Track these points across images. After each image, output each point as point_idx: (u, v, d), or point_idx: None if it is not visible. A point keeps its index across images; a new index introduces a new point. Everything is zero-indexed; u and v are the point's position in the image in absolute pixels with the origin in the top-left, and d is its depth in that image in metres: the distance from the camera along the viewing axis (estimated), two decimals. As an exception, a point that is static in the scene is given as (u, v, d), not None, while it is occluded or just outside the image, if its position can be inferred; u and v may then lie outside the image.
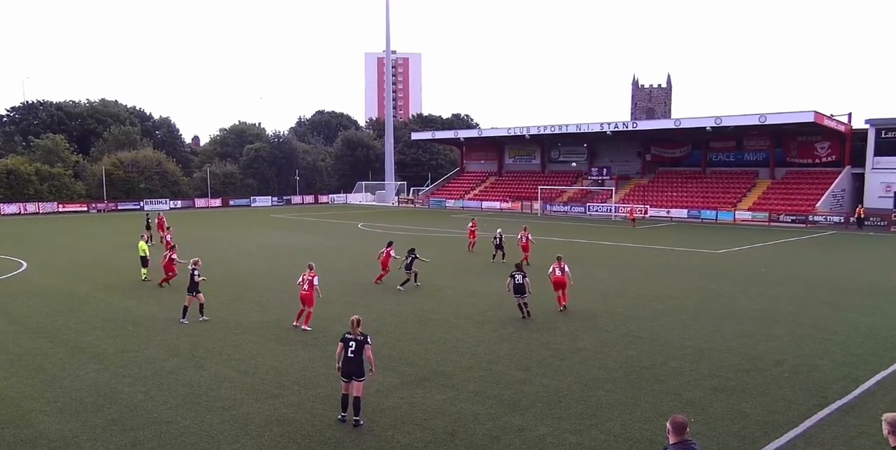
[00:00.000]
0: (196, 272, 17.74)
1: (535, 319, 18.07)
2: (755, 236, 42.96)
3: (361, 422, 10.58)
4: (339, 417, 10.81)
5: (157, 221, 36.88)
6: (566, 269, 18.97)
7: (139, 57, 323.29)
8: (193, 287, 17.67)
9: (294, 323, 17.21)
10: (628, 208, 56.29)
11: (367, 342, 10.69)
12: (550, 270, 19.19)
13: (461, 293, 22.10)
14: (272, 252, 33.42)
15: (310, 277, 16.85)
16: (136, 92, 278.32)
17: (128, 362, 14.06)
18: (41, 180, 70.20)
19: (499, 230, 31.01)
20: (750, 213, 55.44)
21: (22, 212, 65.05)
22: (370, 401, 11.59)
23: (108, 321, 17.93)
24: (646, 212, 59.41)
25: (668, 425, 6.32)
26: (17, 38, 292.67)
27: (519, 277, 18.12)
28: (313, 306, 16.99)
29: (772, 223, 52.60)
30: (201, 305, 18.03)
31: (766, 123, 54.41)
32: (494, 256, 30.01)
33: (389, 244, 24.00)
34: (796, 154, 60.46)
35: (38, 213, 65.68)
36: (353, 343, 10.68)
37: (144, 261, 24.85)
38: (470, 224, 35.04)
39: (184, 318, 17.74)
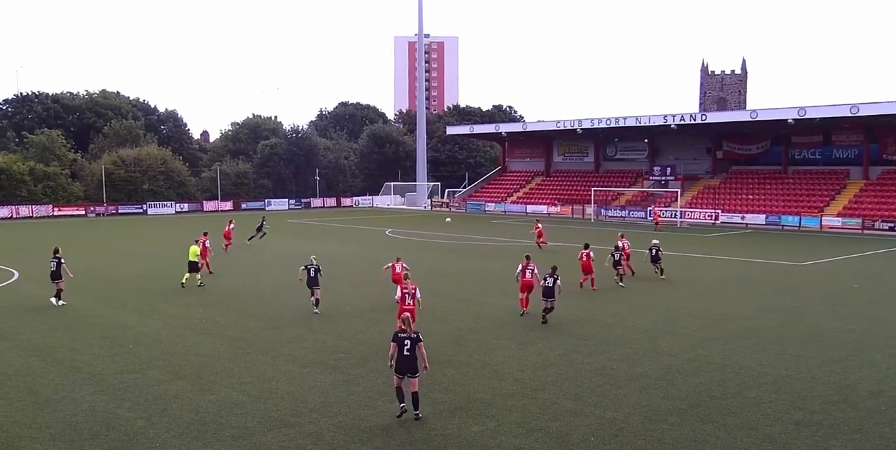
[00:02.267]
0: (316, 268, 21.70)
1: (587, 341, 17.94)
2: (846, 246, 42.08)
3: (421, 416, 12.23)
4: (400, 408, 12.30)
5: (229, 227, 39.39)
6: (592, 256, 24.05)
7: (143, 44, 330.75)
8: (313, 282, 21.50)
9: None
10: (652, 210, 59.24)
11: (420, 340, 12.41)
12: (578, 255, 24.99)
13: (502, 310, 22.03)
14: (288, 262, 33.67)
15: (412, 290, 17.18)
16: (139, 83, 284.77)
17: (127, 385, 14.28)
18: (35, 181, 72.01)
19: (654, 241, 29.08)
20: (839, 219, 54.40)
21: (14, 215, 66.85)
22: (397, 432, 11.63)
23: (107, 338, 18.25)
24: (717, 217, 58.71)
25: None
26: (11, 24, 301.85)
27: (550, 281, 19.82)
28: (416, 323, 16.02)
29: (865, 231, 51.55)
30: (317, 300, 21.38)
31: (858, 114, 53.40)
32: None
33: (398, 260, 22.77)
34: (894, 151, 59.18)
35: (31, 217, 67.43)
36: (408, 342, 12.32)
37: (193, 266, 26.38)
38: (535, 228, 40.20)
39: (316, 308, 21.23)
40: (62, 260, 22.87)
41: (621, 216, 64.60)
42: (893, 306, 22.87)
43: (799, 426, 12.01)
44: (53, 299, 22.68)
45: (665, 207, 63.67)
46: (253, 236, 41.53)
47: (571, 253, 29.77)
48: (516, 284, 21.57)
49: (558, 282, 19.83)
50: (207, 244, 29.14)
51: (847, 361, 16.18)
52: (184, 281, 26.20)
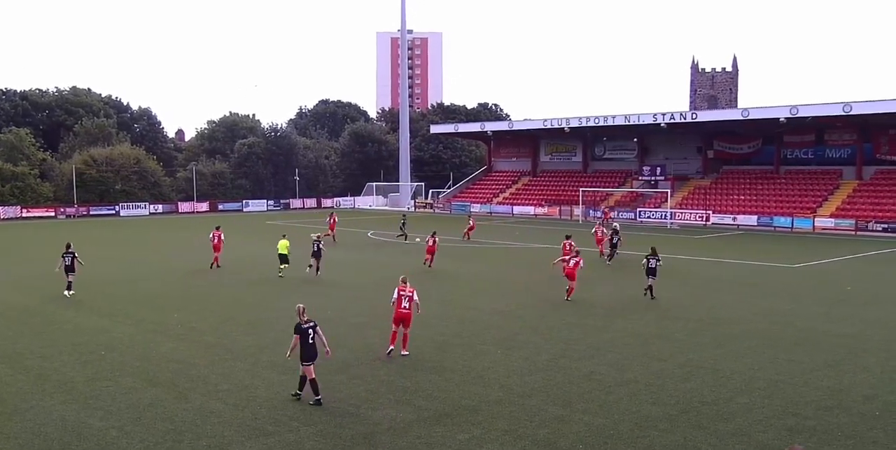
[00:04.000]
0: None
1: (576, 345, 18.01)
2: (839, 248, 42.45)
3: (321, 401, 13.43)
4: (315, 401, 13.42)
5: (331, 219, 45.67)
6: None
7: (115, 40, 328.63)
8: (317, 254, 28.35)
9: (390, 347, 17.08)
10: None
11: (317, 325, 13.82)
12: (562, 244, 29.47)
13: (487, 314, 22.07)
14: (268, 265, 33.57)
15: (409, 293, 17.01)
16: (111, 79, 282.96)
17: (99, 393, 14.19)
18: (2, 181, 71.31)
19: (616, 225, 36.99)
20: (832, 220, 54.83)
21: (-20, 217, 66.15)
22: (380, 441, 11.65)
23: (78, 345, 18.12)
24: (708, 218, 59.05)
25: None
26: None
27: (653, 262, 24.28)
28: (410, 327, 17.14)
29: (859, 232, 51.95)
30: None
31: (851, 113, 53.84)
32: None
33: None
34: (888, 150, 59.73)
35: (-2, 218, 66.78)
36: (311, 331, 13.60)
37: (284, 258, 29.58)
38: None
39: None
40: (76, 254, 25.25)
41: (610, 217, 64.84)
42: (888, 309, 23.09)
43: (792, 432, 12.10)
44: (67, 292, 24.90)
45: (655, 208, 64.02)
46: (401, 234, 44.71)
47: (538, 253, 29.90)
48: (497, 287, 21.59)
49: (659, 263, 24.57)
50: (222, 237, 31.80)
51: (841, 365, 16.32)
52: (281, 273, 29.25)
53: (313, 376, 13.58)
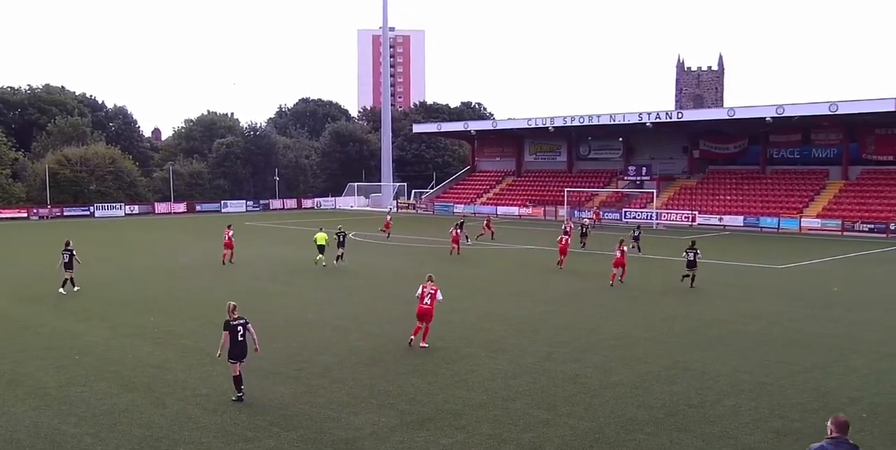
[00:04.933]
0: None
1: (561, 348, 18.05)
2: (825, 249, 42.82)
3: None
4: (236, 397, 13.77)
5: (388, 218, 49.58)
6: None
7: (89, 36, 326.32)
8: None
9: (411, 337, 18.25)
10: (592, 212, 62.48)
11: (248, 322, 13.94)
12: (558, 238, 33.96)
13: (472, 316, 22.08)
14: (246, 267, 33.47)
15: (432, 290, 18.17)
16: (85, 77, 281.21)
17: (74, 399, 14.07)
18: (-27, 182, 70.78)
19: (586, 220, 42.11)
20: (819, 220, 55.36)
21: (-50, 219, 65.52)
22: (362, 446, 11.63)
23: (51, 349, 17.96)
24: (694, 219, 59.40)
25: (829, 424, 8.09)
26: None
27: (691, 255, 27.51)
28: (432, 322, 18.28)
29: (845, 233, 52.47)
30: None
31: (837, 112, 54.41)
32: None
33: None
34: (874, 150, 60.39)
35: (-32, 220, 66.14)
36: (240, 328, 13.72)
37: (322, 249, 33.56)
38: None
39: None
40: (74, 252, 26.10)
41: (601, 220, 65.06)
42: (874, 310, 23.31)
43: (779, 435, 12.18)
44: (62, 289, 25.76)
45: (641, 208, 64.30)
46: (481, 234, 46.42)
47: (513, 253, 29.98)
48: (482, 290, 21.55)
49: (699, 255, 27.72)
50: (231, 235, 34.45)
51: (827, 367, 16.45)
52: (324, 263, 32.96)
53: (237, 373, 13.81)
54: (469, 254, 39.05)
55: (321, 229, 35.15)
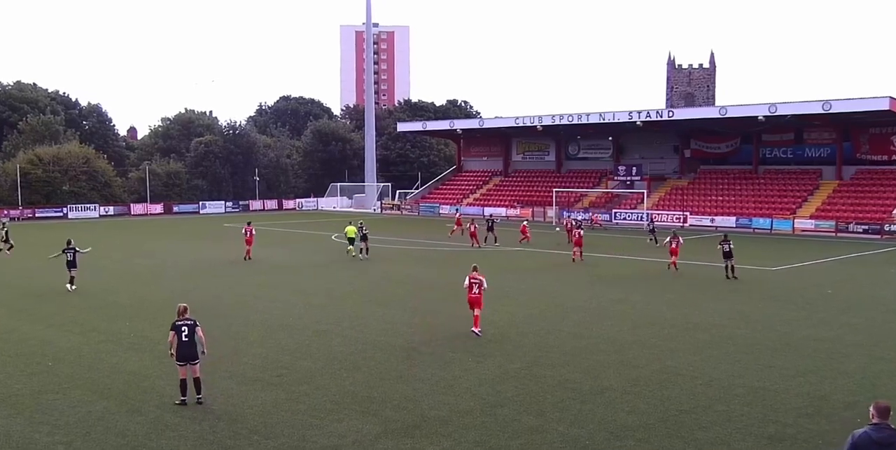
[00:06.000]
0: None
1: (550, 353, 18.08)
2: (819, 250, 43.09)
3: (203, 400, 13.90)
4: (179, 401, 13.85)
5: (457, 217, 53.49)
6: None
7: (62, 31, 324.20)
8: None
9: (473, 329, 19.88)
10: (590, 215, 62.90)
11: (197, 324, 14.05)
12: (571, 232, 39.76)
13: (458, 321, 22.02)
14: (225, 271, 33.36)
15: (478, 280, 19.91)
16: (58, 74, 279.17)
17: (46, 406, 13.98)
18: (-60, 182, 70.22)
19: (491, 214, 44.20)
20: (812, 221, 55.72)
21: (-83, 220, 64.90)
22: (346, 454, 11.57)
23: (23, 356, 17.84)
24: (685, 220, 59.64)
25: (871, 409, 8.12)
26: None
27: (727, 246, 30.34)
28: (481, 309, 20.06)
29: (839, 234, 52.82)
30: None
31: (831, 111, 54.76)
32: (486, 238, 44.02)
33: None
34: (868, 149, 60.82)
35: (-64, 221, 65.56)
36: (185, 328, 13.87)
37: (352, 241, 38.17)
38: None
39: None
40: (77, 249, 27.70)
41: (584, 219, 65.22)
42: (869, 313, 23.45)
43: (772, 440, 12.24)
44: (69, 285, 27.09)
45: (631, 209, 64.50)
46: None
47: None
48: (459, 297, 21.47)
49: (732, 246, 30.49)
50: (253, 232, 37.73)
51: (821, 371, 16.54)
52: (354, 253, 37.71)
53: (183, 376, 13.96)
54: (455, 256, 39.07)
55: (350, 223, 39.61)
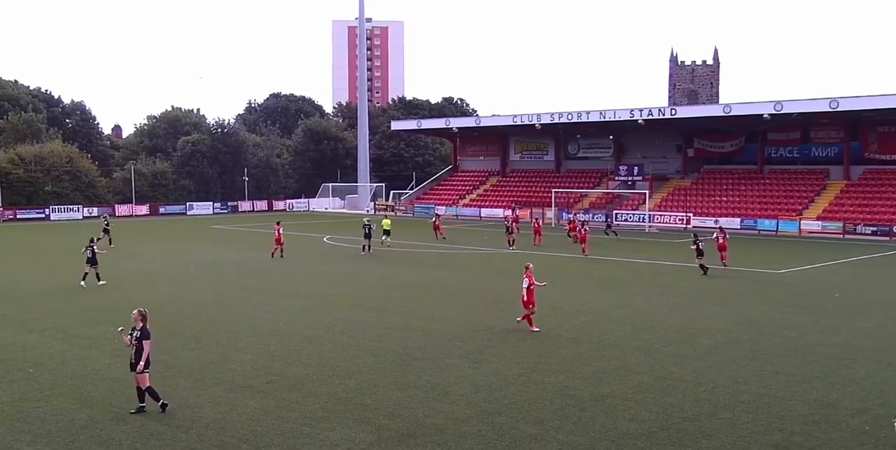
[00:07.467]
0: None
1: (549, 358, 18.07)
2: (826, 252, 43.15)
3: (166, 404, 13.99)
4: (137, 409, 13.89)
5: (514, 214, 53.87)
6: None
7: (45, 27, 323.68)
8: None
9: (533, 329, 20.87)
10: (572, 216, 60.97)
11: (146, 338, 13.95)
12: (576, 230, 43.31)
13: (455, 325, 22.06)
14: (213, 274, 33.32)
15: (528, 279, 20.87)
16: (40, 71, 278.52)
17: (28, 415, 13.95)
18: (-81, 182, 70.10)
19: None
20: (819, 222, 55.78)
21: None
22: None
23: (2, 362, 17.79)
24: (688, 221, 59.68)
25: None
26: None
27: (701, 244, 32.71)
28: (535, 307, 21.13)
29: (847, 236, 52.90)
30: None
31: (838, 109, 54.83)
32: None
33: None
34: (877, 149, 60.91)
35: (-86, 223, 65.51)
36: (137, 334, 13.97)
37: (388, 232, 43.99)
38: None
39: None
40: (95, 248, 29.32)
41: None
42: (878, 318, 23.47)
43: (778, 449, 12.25)
44: (83, 282, 28.86)
45: (632, 210, 64.54)
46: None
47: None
48: (464, 297, 21.61)
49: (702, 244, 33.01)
50: (282, 231, 39.70)
51: (828, 377, 16.55)
52: (388, 243, 43.24)
53: (138, 384, 13.99)
54: (448, 258, 39.08)
55: (386, 216, 45.62)
